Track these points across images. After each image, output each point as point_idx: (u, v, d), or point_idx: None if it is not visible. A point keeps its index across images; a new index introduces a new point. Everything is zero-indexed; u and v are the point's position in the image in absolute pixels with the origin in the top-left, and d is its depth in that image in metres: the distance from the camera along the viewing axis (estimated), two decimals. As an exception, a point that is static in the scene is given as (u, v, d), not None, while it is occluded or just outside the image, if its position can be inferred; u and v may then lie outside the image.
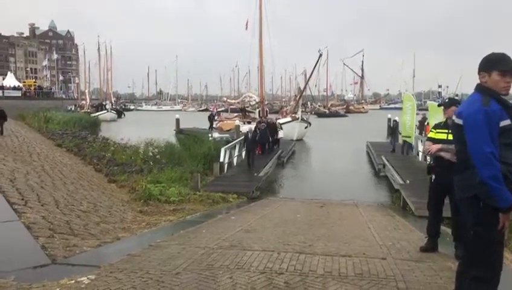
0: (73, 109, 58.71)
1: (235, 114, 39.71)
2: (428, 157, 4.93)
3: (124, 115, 64.96)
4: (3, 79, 60.73)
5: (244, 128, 25.77)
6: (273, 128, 23.28)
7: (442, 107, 5.19)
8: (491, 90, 2.73)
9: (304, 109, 37.08)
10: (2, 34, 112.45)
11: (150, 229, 6.91)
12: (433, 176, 5.00)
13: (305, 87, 44.17)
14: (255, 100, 38.28)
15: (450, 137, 4.13)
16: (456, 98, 19.27)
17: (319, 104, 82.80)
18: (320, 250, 5.03)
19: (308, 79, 43.29)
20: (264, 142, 20.50)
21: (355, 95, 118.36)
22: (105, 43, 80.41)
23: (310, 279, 3.86)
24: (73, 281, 3.66)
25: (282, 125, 27.05)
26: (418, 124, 21.35)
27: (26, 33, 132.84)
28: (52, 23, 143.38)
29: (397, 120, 22.12)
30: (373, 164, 19.90)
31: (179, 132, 33.51)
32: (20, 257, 4.48)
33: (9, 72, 67.94)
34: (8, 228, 5.67)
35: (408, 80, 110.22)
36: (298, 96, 39.07)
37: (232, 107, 47.37)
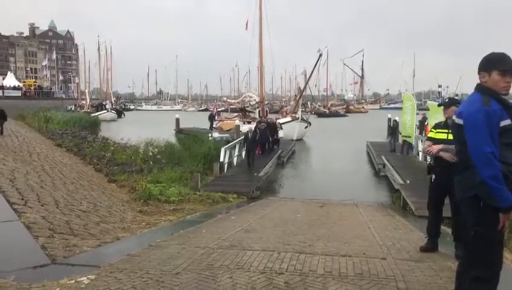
0: (73, 108, 58.70)
1: (235, 114, 39.74)
2: (428, 157, 4.93)
3: (124, 114, 64.94)
4: (3, 79, 60.72)
5: (244, 128, 25.77)
6: (273, 128, 23.28)
7: (442, 107, 5.19)
8: (491, 90, 2.73)
9: (303, 109, 37.08)
10: (2, 33, 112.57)
11: (149, 229, 6.91)
12: (433, 176, 5.00)
13: (305, 87, 44.19)
14: (255, 100, 38.30)
15: (450, 137, 4.12)
16: (456, 98, 19.28)
17: (319, 104, 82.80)
18: (320, 250, 5.03)
19: (308, 79, 43.34)
20: (264, 142, 20.51)
21: (355, 95, 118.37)
22: (105, 43, 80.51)
23: (310, 279, 3.86)
24: (73, 281, 3.66)
25: (282, 125, 27.05)
26: (418, 124, 21.35)
27: (26, 33, 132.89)
28: (52, 23, 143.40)
29: (397, 120, 22.12)
30: (373, 163, 19.90)
31: (179, 131, 33.51)
32: (20, 257, 4.48)
33: (9, 72, 67.94)
34: (8, 227, 5.67)
35: (408, 80, 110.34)
36: (298, 96, 39.06)
37: (232, 107, 47.41)
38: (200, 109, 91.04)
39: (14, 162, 12.06)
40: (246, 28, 34.63)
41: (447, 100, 5.27)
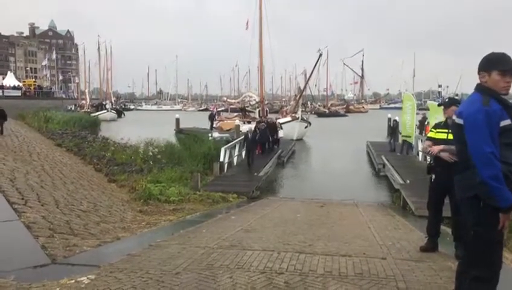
0: (73, 108, 58.72)
1: (235, 114, 39.73)
2: (428, 157, 4.94)
3: (124, 114, 64.93)
4: (3, 79, 60.77)
5: (244, 128, 25.77)
6: (273, 128, 23.28)
7: (442, 107, 5.18)
8: (491, 90, 2.73)
9: (303, 109, 37.08)
10: (2, 33, 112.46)
11: (149, 229, 6.91)
12: (433, 176, 5.00)
13: (305, 87, 44.20)
14: (255, 100, 38.29)
15: (450, 137, 4.12)
16: (456, 97, 19.29)
17: (319, 103, 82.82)
18: (320, 250, 5.03)
19: (308, 79, 43.33)
20: (264, 142, 20.51)
21: (355, 94, 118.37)
22: (105, 43, 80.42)
23: (310, 279, 3.86)
24: (73, 281, 3.66)
25: (282, 125, 27.05)
26: (418, 123, 21.35)
27: (26, 33, 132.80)
28: (52, 23, 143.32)
29: (397, 120, 22.12)
30: (373, 163, 19.90)
31: (179, 131, 33.52)
32: (20, 257, 4.48)
33: (9, 72, 67.95)
34: (8, 227, 5.67)
35: (408, 80, 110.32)
36: (298, 96, 39.06)
37: (232, 106, 47.40)
38: (200, 108, 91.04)
39: (14, 162, 12.06)
40: (247, 27, 34.68)
41: (447, 100, 5.27)
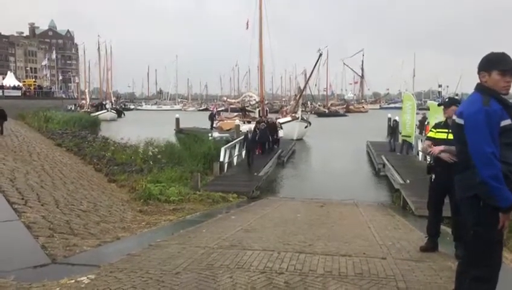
0: (73, 108, 58.72)
1: (235, 114, 39.73)
2: (428, 157, 4.94)
3: (124, 114, 64.93)
4: (3, 78, 60.72)
5: (244, 127, 25.77)
6: (273, 128, 23.28)
7: (442, 107, 5.18)
8: (491, 90, 2.73)
9: (303, 109, 37.09)
10: (2, 33, 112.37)
11: (149, 229, 6.91)
12: (433, 176, 5.00)
13: (305, 87, 44.20)
14: (255, 100, 38.26)
15: (450, 137, 4.12)
16: (456, 97, 19.28)
17: (319, 103, 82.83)
18: (320, 250, 5.03)
19: (308, 79, 43.35)
20: (264, 141, 20.51)
21: (355, 94, 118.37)
22: (105, 43, 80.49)
23: (310, 279, 3.86)
24: (73, 281, 3.66)
25: (282, 125, 27.05)
26: (418, 123, 21.35)
27: (26, 32, 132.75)
28: (52, 23, 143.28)
29: (397, 120, 22.11)
30: (373, 163, 19.90)
31: (179, 131, 33.52)
32: (20, 257, 4.48)
33: (9, 72, 67.90)
34: (8, 227, 5.67)
35: (408, 80, 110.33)
36: (298, 96, 39.06)
37: (232, 106, 47.37)
38: (200, 108, 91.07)
39: (14, 162, 12.06)
40: (247, 27, 34.67)
41: (447, 100, 5.26)
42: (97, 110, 56.91)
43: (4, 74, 67.12)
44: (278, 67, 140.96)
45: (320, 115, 63.98)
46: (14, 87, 57.10)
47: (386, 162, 16.91)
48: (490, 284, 2.72)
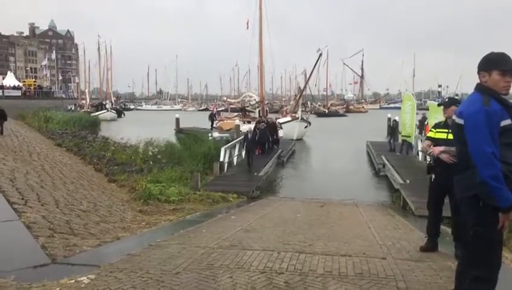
0: (73, 108, 58.73)
1: (235, 113, 39.73)
2: (428, 157, 4.95)
3: (124, 114, 64.95)
4: (3, 78, 60.69)
5: (244, 127, 25.77)
6: (273, 128, 23.28)
7: (442, 107, 5.18)
8: (491, 90, 2.72)
9: (303, 109, 37.10)
10: (2, 33, 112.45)
11: (149, 229, 6.91)
12: (433, 176, 5.00)
13: (305, 87, 44.22)
14: (255, 100, 38.27)
15: (450, 137, 4.12)
16: (456, 97, 19.27)
17: (318, 103, 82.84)
18: (320, 250, 5.03)
19: (308, 79, 43.35)
20: (264, 142, 20.51)
21: (355, 94, 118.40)
22: (105, 43, 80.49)
23: (310, 279, 3.86)
24: (73, 281, 3.66)
25: (282, 125, 27.07)
26: (418, 123, 21.34)
27: (26, 32, 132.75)
28: (52, 23, 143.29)
29: (397, 120, 22.11)
30: (373, 163, 19.90)
31: (179, 131, 33.53)
32: (20, 257, 4.48)
33: (9, 72, 67.87)
34: (8, 227, 5.67)
35: (408, 80, 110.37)
36: (298, 96, 39.07)
37: (232, 106, 47.38)
38: (200, 108, 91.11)
39: (14, 162, 12.06)
40: (247, 27, 34.64)
41: (446, 100, 5.26)
42: (97, 110, 56.92)
43: (4, 74, 67.10)
44: (278, 67, 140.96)
45: (320, 115, 63.94)
46: (14, 87, 57.07)
47: (386, 162, 16.91)
48: (490, 284, 2.72)
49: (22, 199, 7.25)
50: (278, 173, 18.75)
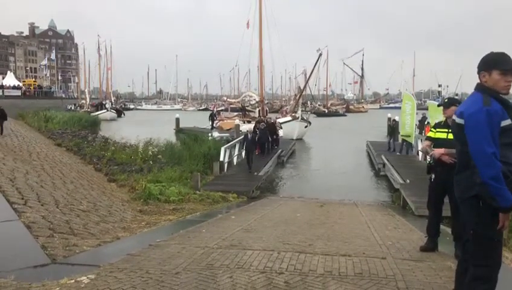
0: (73, 108, 58.75)
1: (235, 113, 39.73)
2: (428, 157, 4.95)
3: (124, 114, 64.98)
4: (3, 78, 60.62)
5: (244, 127, 25.78)
6: (273, 127, 23.27)
7: (442, 107, 5.17)
8: (492, 90, 2.72)
9: (303, 108, 37.12)
10: (2, 33, 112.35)
11: (149, 229, 6.91)
12: (433, 176, 5.00)
13: (305, 87, 44.24)
14: (255, 99, 38.29)
15: (450, 136, 4.12)
16: (456, 97, 19.27)
17: (318, 103, 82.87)
18: (320, 249, 5.03)
19: (308, 78, 43.38)
20: (264, 142, 20.50)
21: (355, 94, 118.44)
22: (105, 43, 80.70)
23: (309, 278, 3.85)
24: (73, 281, 3.66)
25: (282, 125, 27.05)
26: (417, 123, 21.33)
27: (26, 32, 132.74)
28: (51, 23, 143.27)
29: (397, 119, 22.09)
30: (373, 163, 19.90)
31: (179, 131, 33.53)
32: (20, 257, 4.48)
33: (9, 72, 67.81)
34: (8, 227, 5.67)
35: (408, 80, 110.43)
36: (298, 96, 39.09)
37: (232, 106, 47.39)
38: (200, 108, 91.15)
39: (14, 162, 12.06)
40: (248, 27, 34.68)
41: (446, 100, 5.25)
42: (97, 110, 56.93)
43: (4, 74, 67.08)
44: (277, 67, 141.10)
45: (320, 114, 63.91)
46: (14, 87, 56.99)
47: (386, 162, 16.90)
48: (490, 284, 2.71)
49: (22, 198, 7.25)
50: (278, 173, 18.74)
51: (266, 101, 42.90)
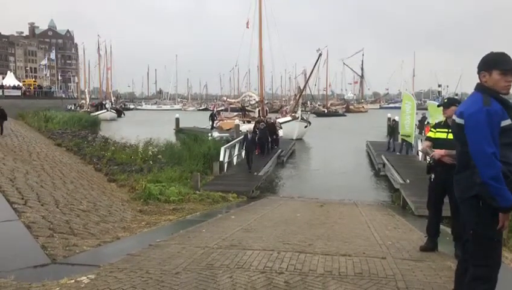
0: (73, 108, 58.77)
1: (235, 113, 39.74)
2: (428, 157, 4.96)
3: (124, 114, 64.98)
4: (3, 78, 60.61)
5: (244, 127, 25.78)
6: (273, 127, 23.26)
7: (442, 108, 5.17)
8: (492, 90, 2.72)
9: (303, 108, 37.11)
10: (2, 33, 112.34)
11: (149, 229, 6.91)
12: (433, 176, 5.00)
13: (304, 87, 44.24)
14: (254, 99, 38.29)
15: (450, 136, 4.12)
16: (456, 97, 19.27)
17: (318, 103, 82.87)
18: (320, 249, 5.03)
19: (308, 78, 43.40)
20: (264, 142, 20.50)
21: (355, 94, 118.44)
22: (105, 43, 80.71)
23: (309, 278, 3.86)
24: (73, 281, 3.66)
25: (282, 125, 27.05)
26: (417, 123, 21.32)
27: (26, 32, 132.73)
28: (51, 23, 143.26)
29: (396, 119, 22.09)
30: (373, 163, 19.90)
31: (179, 131, 33.53)
32: (20, 257, 4.48)
33: (9, 72, 67.80)
34: (8, 227, 5.67)
35: (408, 80, 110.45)
36: (298, 96, 39.09)
37: (232, 106, 47.39)
38: (200, 108, 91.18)
39: (14, 162, 12.05)
40: (247, 26, 34.69)
41: (446, 100, 5.25)
42: (97, 110, 56.92)
43: (4, 74, 67.07)
44: (277, 67, 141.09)
45: (319, 114, 63.88)
46: (14, 87, 56.96)
47: (386, 162, 16.90)
48: (490, 283, 2.71)
49: (22, 198, 7.25)
50: (278, 172, 18.74)
51: (266, 101, 42.92)
